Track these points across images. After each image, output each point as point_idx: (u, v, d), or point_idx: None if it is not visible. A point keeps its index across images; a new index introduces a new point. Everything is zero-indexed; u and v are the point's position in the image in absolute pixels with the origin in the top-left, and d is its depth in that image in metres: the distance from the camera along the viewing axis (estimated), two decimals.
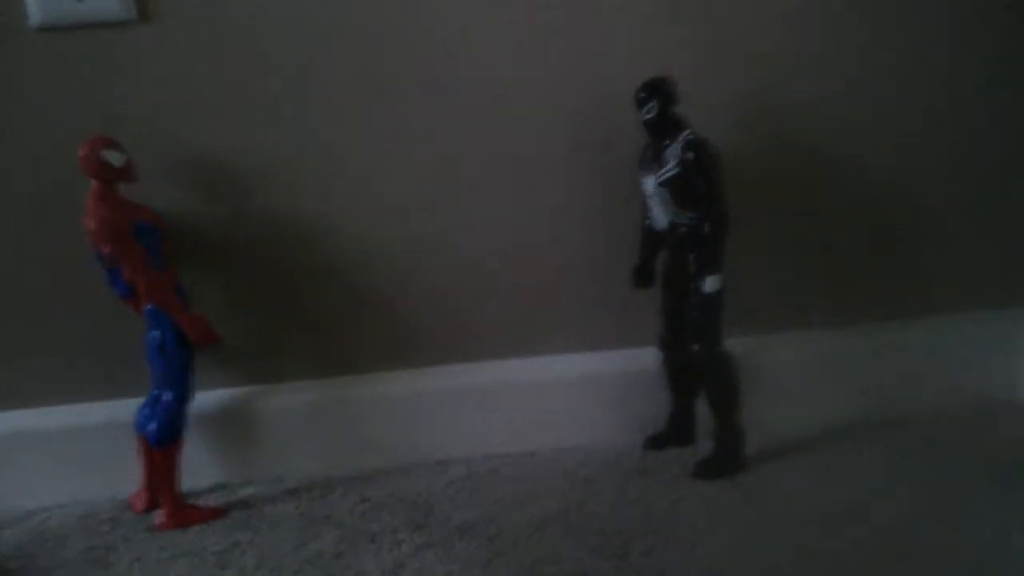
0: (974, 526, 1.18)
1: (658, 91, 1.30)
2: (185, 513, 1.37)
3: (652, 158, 1.33)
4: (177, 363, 1.35)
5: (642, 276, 1.40)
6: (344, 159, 1.44)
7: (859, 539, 1.16)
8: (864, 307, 1.53)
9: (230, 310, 1.48)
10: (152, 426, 1.35)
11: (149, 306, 1.33)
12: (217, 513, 1.39)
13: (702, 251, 1.29)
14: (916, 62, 1.46)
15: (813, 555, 1.14)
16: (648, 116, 1.30)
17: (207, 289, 1.47)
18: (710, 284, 1.29)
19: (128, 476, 1.45)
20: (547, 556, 1.19)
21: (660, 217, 1.34)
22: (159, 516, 1.38)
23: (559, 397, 1.51)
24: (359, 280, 1.48)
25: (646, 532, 1.22)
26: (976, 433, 1.43)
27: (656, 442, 1.47)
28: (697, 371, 1.37)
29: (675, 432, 1.46)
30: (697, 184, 1.27)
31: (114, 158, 1.30)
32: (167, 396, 1.36)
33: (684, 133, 1.28)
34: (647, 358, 1.44)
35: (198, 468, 1.48)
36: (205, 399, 1.48)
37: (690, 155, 1.26)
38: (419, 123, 1.44)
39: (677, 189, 1.29)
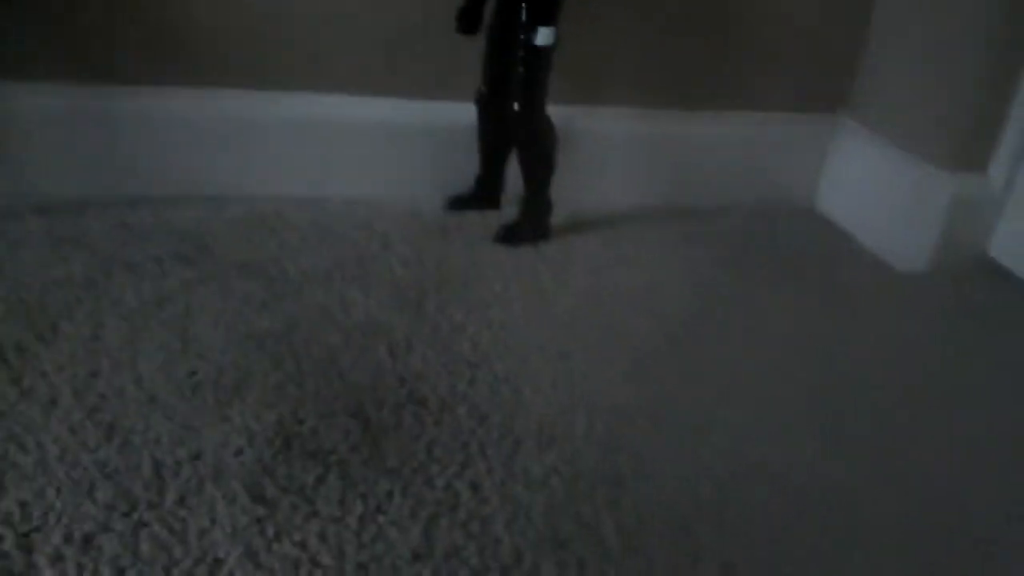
0: (753, 318, 1.22)
1: None
2: None
3: None
4: None
5: (467, 20, 1.25)
6: None
7: (651, 319, 1.17)
8: (684, 93, 1.48)
9: None
10: None
11: None
12: None
13: None
14: None
15: (608, 327, 1.13)
16: None
17: None
18: (542, 37, 1.18)
19: None
20: (334, 303, 1.10)
21: None
22: None
23: (358, 143, 1.37)
24: None
25: (441, 289, 1.16)
26: (768, 233, 1.47)
27: (459, 203, 1.38)
28: (513, 132, 1.28)
29: (480, 195, 1.38)
30: None
31: None
32: None
33: None
34: (460, 113, 1.33)
35: None
36: None
37: None
38: None
39: None
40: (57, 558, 0.72)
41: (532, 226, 1.31)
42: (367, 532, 0.77)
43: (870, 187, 1.46)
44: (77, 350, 0.96)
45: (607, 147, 1.45)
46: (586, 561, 0.77)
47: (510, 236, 1.30)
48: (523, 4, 1.18)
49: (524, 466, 0.86)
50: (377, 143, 1.37)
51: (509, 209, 1.35)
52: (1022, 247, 1.36)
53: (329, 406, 0.92)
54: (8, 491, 0.77)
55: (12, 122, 1.24)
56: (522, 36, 1.18)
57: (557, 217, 1.34)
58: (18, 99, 1.24)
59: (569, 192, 1.36)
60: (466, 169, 1.38)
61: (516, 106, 1.23)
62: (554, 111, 1.27)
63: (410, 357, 1.01)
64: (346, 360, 0.99)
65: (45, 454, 0.81)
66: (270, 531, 0.76)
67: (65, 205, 1.24)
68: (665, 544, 0.80)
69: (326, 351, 1.01)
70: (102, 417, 0.86)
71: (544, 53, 1.19)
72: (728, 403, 1.02)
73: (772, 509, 0.87)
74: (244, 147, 1.33)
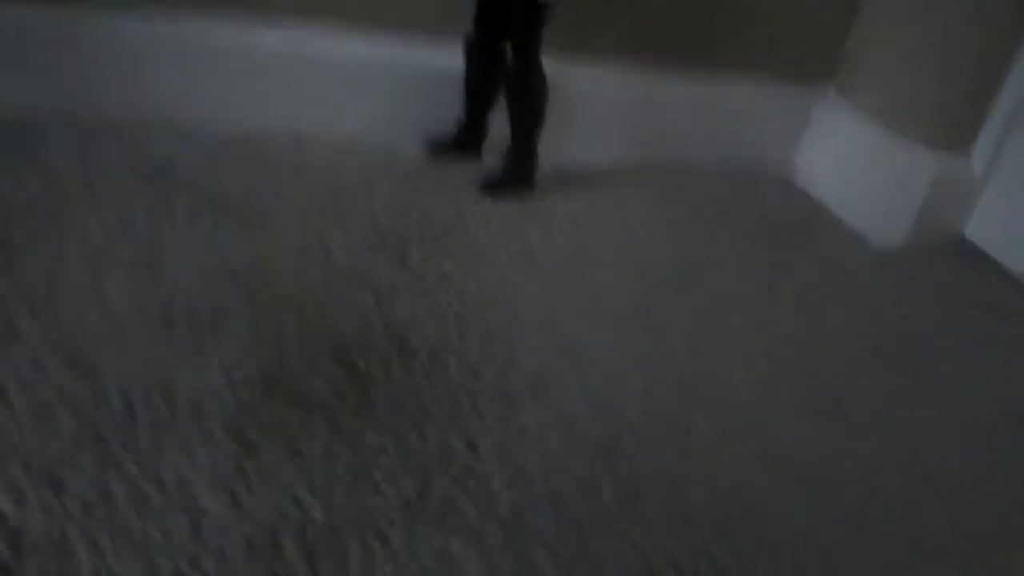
0: (732, 284, 1.20)
1: None
2: None
3: None
4: None
5: None
6: None
7: (635, 279, 1.14)
8: (672, 53, 1.44)
9: None
10: None
11: None
12: None
13: None
14: None
15: (593, 286, 1.09)
16: None
17: None
18: None
19: None
20: (313, 243, 1.04)
21: None
22: None
23: (337, 77, 1.29)
24: None
25: (424, 237, 1.11)
26: (747, 200, 1.44)
27: (440, 148, 1.32)
28: (505, 82, 1.23)
29: (462, 142, 1.32)
30: None
31: None
32: None
33: None
34: (447, 55, 1.27)
35: None
36: None
37: None
38: None
39: None
40: (19, 494, 0.66)
41: (517, 179, 1.26)
42: (359, 484, 0.73)
43: (850, 161, 1.45)
44: (38, 276, 0.88)
45: (592, 103, 1.39)
46: (584, 522, 0.74)
47: (495, 188, 1.25)
48: None
49: (519, 423, 0.83)
50: (356, 82, 1.30)
51: (490, 159, 1.30)
52: (998, 230, 1.37)
53: (313, 351, 0.86)
54: None
55: None
56: None
57: (540, 171, 1.29)
58: None
59: (553, 146, 1.31)
60: (447, 115, 1.32)
61: (511, 56, 1.18)
62: (544, 62, 1.22)
63: (396, 305, 0.96)
64: (329, 304, 0.94)
65: (2, 382, 0.75)
66: (254, 478, 0.71)
67: (18, 121, 1.15)
68: (662, 506, 0.78)
69: (307, 293, 0.95)
70: (66, 347, 0.80)
71: (545, 6, 1.14)
72: (712, 367, 0.99)
73: (759, 471, 0.85)
74: (215, 74, 1.25)
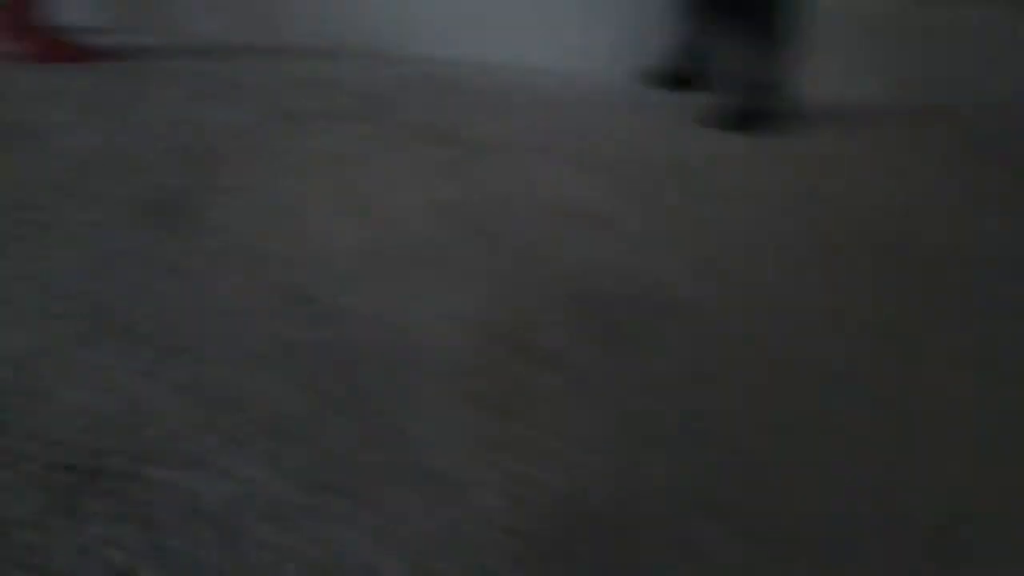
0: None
1: None
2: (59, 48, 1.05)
3: None
4: None
5: None
6: None
7: (908, 229, 0.96)
8: None
9: None
10: None
11: None
12: (97, 55, 1.07)
13: None
14: None
15: (836, 245, 0.93)
16: None
17: None
18: None
19: None
20: (540, 183, 0.93)
21: None
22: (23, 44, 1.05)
23: (546, 6, 1.19)
24: None
25: (661, 177, 0.97)
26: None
27: (658, 79, 1.18)
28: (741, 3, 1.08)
29: (685, 71, 1.17)
30: None
31: None
32: None
33: None
34: None
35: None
36: None
37: None
38: None
39: None
40: (242, 441, 0.60)
41: (759, 110, 1.10)
42: (622, 460, 0.63)
43: None
44: (253, 206, 0.81)
45: (848, 28, 1.22)
46: None
47: (736, 120, 1.09)
48: None
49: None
50: (570, 8, 1.19)
51: (717, 91, 1.15)
52: None
53: (552, 300, 0.76)
54: (179, 358, 0.65)
55: None
56: None
57: (788, 105, 1.13)
58: None
59: (802, 77, 1.14)
60: (661, 39, 1.18)
61: None
62: None
63: (637, 253, 0.83)
64: (562, 248, 0.83)
65: (227, 326, 0.69)
66: (500, 448, 0.61)
67: (227, 51, 1.11)
68: None
69: (537, 235, 0.84)
70: (285, 285, 0.72)
71: None
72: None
73: None
74: (414, 3, 1.18)
